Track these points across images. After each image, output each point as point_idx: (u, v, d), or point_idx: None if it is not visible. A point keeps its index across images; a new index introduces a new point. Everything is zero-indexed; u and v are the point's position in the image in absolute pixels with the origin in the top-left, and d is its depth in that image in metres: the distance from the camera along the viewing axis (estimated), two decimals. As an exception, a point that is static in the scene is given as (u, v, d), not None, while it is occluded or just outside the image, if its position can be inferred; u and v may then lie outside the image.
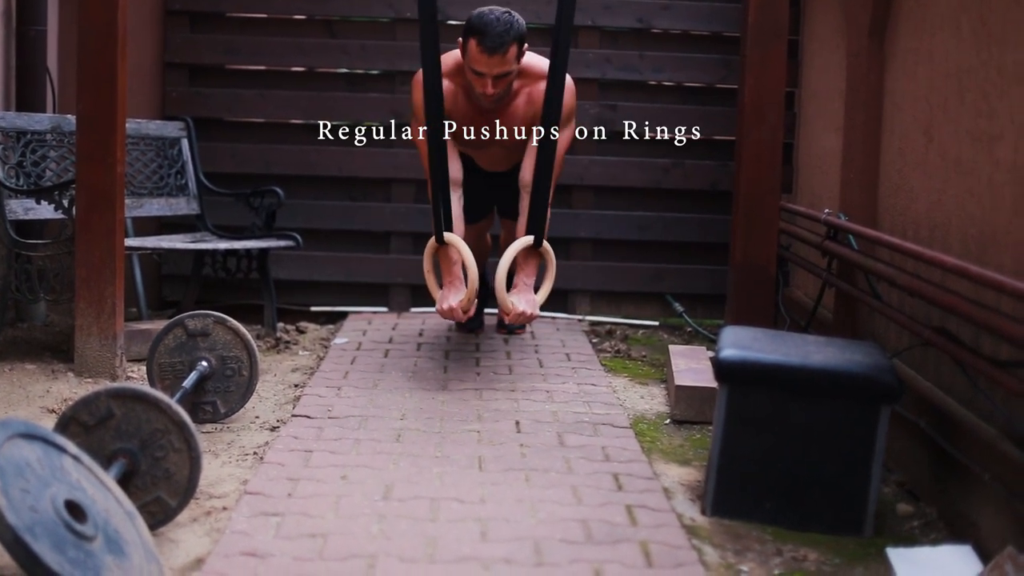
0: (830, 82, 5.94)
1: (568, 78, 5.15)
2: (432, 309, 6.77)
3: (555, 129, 5.02)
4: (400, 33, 6.90)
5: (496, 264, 5.16)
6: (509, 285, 5.21)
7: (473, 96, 5.23)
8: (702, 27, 6.97)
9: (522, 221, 5.21)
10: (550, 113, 5.02)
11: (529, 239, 5.13)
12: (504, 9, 5.05)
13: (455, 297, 5.10)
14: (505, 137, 5.35)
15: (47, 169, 5.72)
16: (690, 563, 3.20)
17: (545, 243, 5.19)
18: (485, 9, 5.05)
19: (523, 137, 5.34)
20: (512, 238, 5.72)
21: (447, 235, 5.12)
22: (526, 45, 5.12)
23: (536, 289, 5.26)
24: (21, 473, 2.64)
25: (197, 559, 3.16)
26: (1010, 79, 3.61)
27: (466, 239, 5.35)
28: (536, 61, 5.28)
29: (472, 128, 5.35)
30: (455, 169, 5.30)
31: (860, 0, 5.09)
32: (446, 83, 5.16)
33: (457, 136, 5.39)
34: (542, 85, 5.14)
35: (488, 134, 5.35)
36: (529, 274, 5.22)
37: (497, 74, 5.01)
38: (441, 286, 5.23)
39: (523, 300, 5.10)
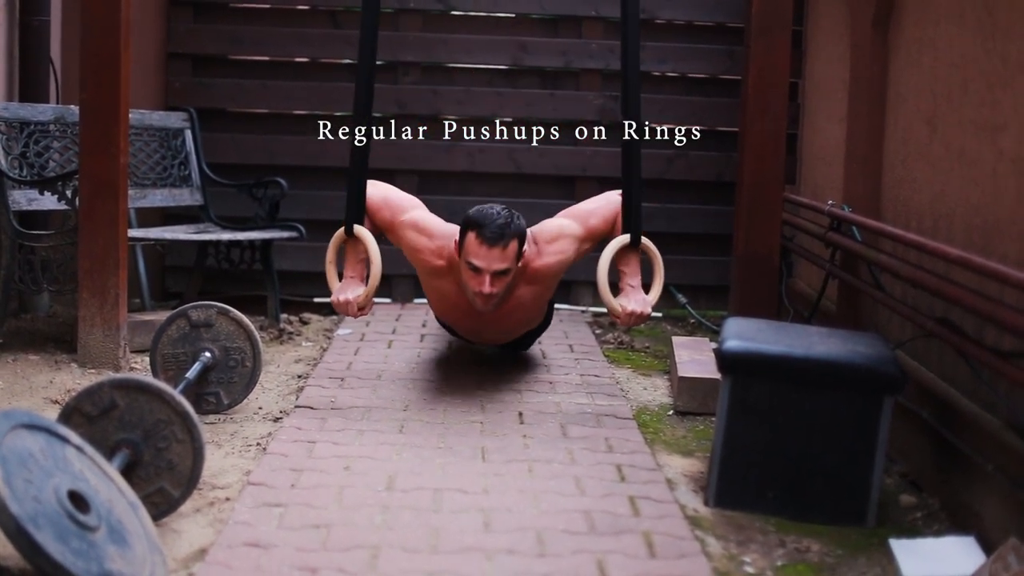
0: (834, 73, 5.93)
1: (548, 235, 4.93)
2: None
3: (636, 124, 4.82)
4: (403, 24, 6.90)
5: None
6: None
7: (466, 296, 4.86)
8: (706, 18, 6.97)
9: (619, 220, 4.97)
10: (631, 105, 4.83)
11: (625, 238, 4.88)
12: (504, 206, 4.77)
13: (352, 291, 4.90)
14: (502, 328, 5.13)
15: (50, 160, 5.72)
16: (693, 554, 3.20)
17: (644, 239, 4.92)
18: (485, 206, 4.76)
19: (527, 320, 5.15)
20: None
21: (356, 228, 4.92)
22: (525, 249, 4.79)
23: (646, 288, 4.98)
24: (24, 463, 2.64)
25: (200, 549, 3.16)
26: (1014, 69, 3.61)
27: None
28: (528, 247, 4.89)
29: (465, 322, 5.11)
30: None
31: (864, -10, 5.08)
32: (439, 263, 4.89)
33: (443, 316, 5.23)
34: (543, 260, 4.88)
35: (482, 327, 5.11)
36: (633, 275, 4.93)
37: (496, 270, 4.64)
38: (340, 278, 5.00)
39: (632, 300, 4.84)
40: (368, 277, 4.88)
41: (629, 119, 4.82)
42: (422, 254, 4.92)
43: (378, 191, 5.05)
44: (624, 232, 4.90)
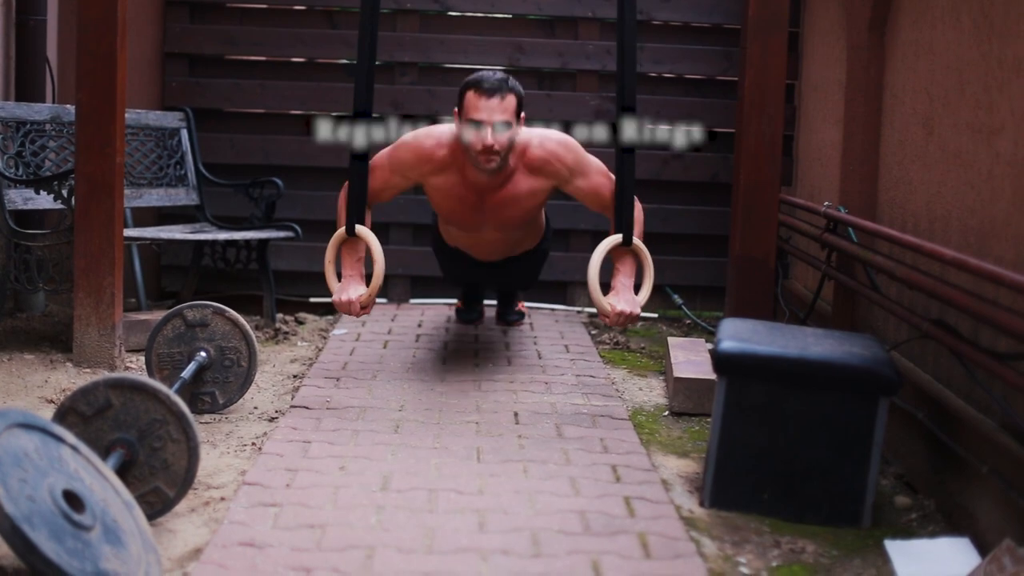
0: (830, 75, 5.93)
1: (555, 135, 5.06)
2: (431, 300, 6.78)
3: (631, 121, 4.86)
4: (400, 24, 6.90)
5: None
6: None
7: (469, 173, 4.97)
8: (703, 19, 6.97)
9: (612, 220, 5.03)
10: (625, 101, 4.87)
11: (618, 238, 4.93)
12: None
13: (355, 290, 4.92)
14: (502, 217, 5.16)
15: (46, 159, 5.72)
16: (688, 555, 3.21)
17: (637, 240, 4.96)
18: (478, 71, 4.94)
19: (520, 220, 5.21)
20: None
21: (359, 228, 4.94)
22: (524, 114, 4.92)
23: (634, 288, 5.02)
24: (19, 463, 2.64)
25: (195, 549, 3.16)
26: (1010, 71, 3.61)
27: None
28: (529, 133, 5.04)
29: (466, 209, 5.15)
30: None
31: (860, -8, 5.09)
32: (442, 153, 4.99)
33: (448, 216, 5.28)
34: (538, 152, 4.98)
35: (483, 215, 5.15)
36: (627, 274, 4.98)
37: (497, 121, 4.76)
38: (340, 278, 5.02)
39: (622, 300, 4.87)
40: (371, 276, 4.89)
41: (623, 118, 4.85)
42: (427, 153, 5.01)
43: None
44: (617, 231, 4.92)
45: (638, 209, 5.01)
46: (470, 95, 4.80)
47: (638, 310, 4.88)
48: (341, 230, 4.97)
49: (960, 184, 4.00)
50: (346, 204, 4.95)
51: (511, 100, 4.80)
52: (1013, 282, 3.15)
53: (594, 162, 5.08)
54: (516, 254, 5.47)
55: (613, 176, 5.02)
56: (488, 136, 4.75)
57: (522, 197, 5.06)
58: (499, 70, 4.91)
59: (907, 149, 4.61)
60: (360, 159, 4.91)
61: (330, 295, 4.95)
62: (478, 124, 4.76)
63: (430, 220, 5.64)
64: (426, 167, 5.03)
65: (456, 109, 4.91)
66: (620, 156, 4.89)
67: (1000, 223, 3.63)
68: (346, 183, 5.00)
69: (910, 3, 4.66)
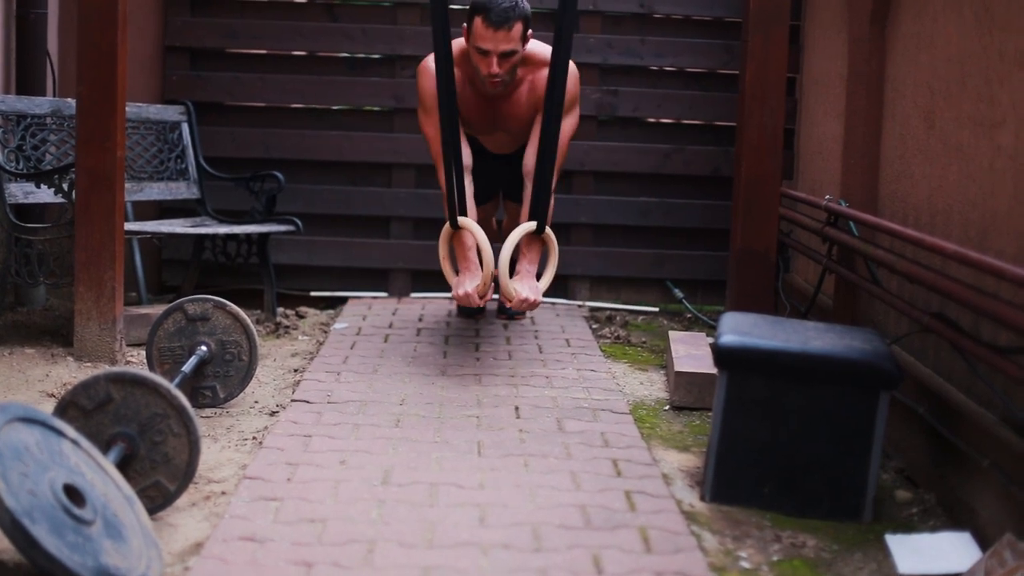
0: (832, 68, 5.93)
1: (572, 65, 5.14)
2: (432, 294, 6.78)
3: (557, 115, 4.99)
4: (401, 17, 6.89)
5: (500, 250, 5.11)
6: (512, 271, 5.19)
7: (478, 83, 5.21)
8: (704, 12, 6.96)
9: (525, 207, 5.21)
10: (553, 98, 4.98)
11: (532, 225, 5.10)
12: None
13: (471, 283, 5.08)
14: (510, 124, 5.38)
15: (47, 153, 5.72)
16: (689, 549, 3.20)
17: (548, 229, 5.15)
18: None
19: (527, 125, 5.36)
20: (516, 223, 5.75)
21: (461, 219, 5.10)
22: (531, 31, 5.10)
23: (538, 276, 5.25)
24: (20, 457, 2.64)
25: (196, 543, 3.16)
26: (1012, 64, 3.61)
27: None
28: (540, 48, 5.26)
29: (477, 115, 5.35)
30: (467, 155, 5.29)
31: (862, -15, 5.08)
32: (455, 72, 5.13)
33: (463, 122, 5.38)
34: (545, 72, 5.12)
35: (493, 121, 5.36)
36: (532, 260, 5.19)
37: (502, 51, 4.99)
38: (457, 272, 5.22)
39: (525, 286, 5.06)
40: (482, 265, 5.06)
41: (551, 112, 4.99)
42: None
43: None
44: (531, 219, 5.11)
45: (550, 196, 5.18)
46: (478, 22, 4.98)
47: (539, 297, 5.08)
48: (447, 225, 5.15)
49: (961, 177, 4.00)
50: (446, 198, 5.10)
51: (517, 29, 4.98)
52: (1014, 276, 3.15)
53: (574, 116, 5.33)
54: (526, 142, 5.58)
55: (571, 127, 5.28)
56: (494, 65, 5.00)
57: (526, 110, 5.30)
58: None
59: (908, 142, 4.60)
60: (453, 153, 5.07)
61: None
62: (485, 52, 4.99)
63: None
64: None
65: (464, 26, 5.08)
66: (544, 144, 5.03)
67: (1001, 217, 3.62)
68: (440, 178, 5.19)
69: (911, -4, 4.66)
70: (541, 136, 5.05)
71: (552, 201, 5.23)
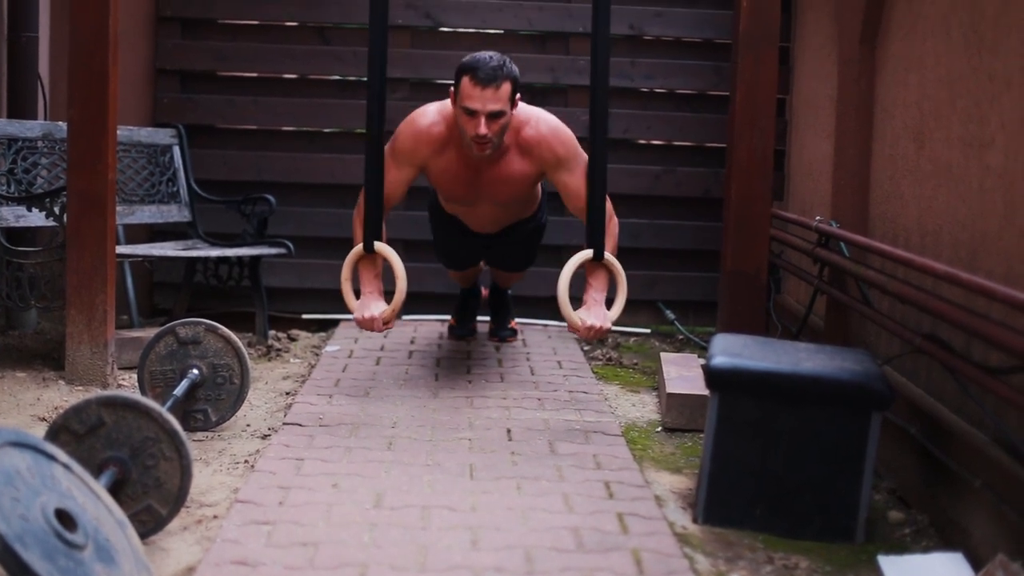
0: (821, 89, 5.95)
1: (552, 121, 5.12)
2: (423, 316, 6.77)
3: (603, 137, 4.94)
4: (393, 40, 6.88)
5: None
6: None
7: (464, 149, 5.06)
8: (694, 34, 6.98)
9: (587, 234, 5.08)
10: (598, 118, 4.91)
11: (588, 253, 4.98)
12: (497, 52, 4.97)
13: (376, 307, 4.98)
14: (497, 193, 5.24)
15: (38, 176, 5.72)
16: (681, 571, 3.20)
17: (609, 255, 5.00)
18: (478, 52, 4.97)
19: (516, 194, 5.28)
20: (501, 279, 5.75)
21: (377, 244, 4.98)
22: (519, 96, 4.99)
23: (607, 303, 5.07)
24: (11, 482, 2.63)
25: (188, 568, 3.15)
26: (1001, 85, 3.62)
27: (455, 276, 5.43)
28: (527, 112, 5.15)
29: (462, 184, 5.22)
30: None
31: (851, 7, 5.10)
32: (439, 130, 5.08)
33: (445, 195, 5.35)
34: (536, 129, 5.06)
35: (478, 190, 5.22)
36: (599, 288, 5.02)
37: (491, 111, 4.84)
38: (357, 296, 5.07)
39: (592, 314, 4.91)
40: (393, 294, 4.94)
41: (596, 136, 4.93)
42: (424, 133, 5.09)
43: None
44: (588, 246, 4.98)
45: (614, 223, 5.05)
46: (465, 82, 4.85)
47: (609, 324, 4.92)
48: (358, 247, 5.02)
49: (951, 198, 4.01)
50: (362, 220, 4.99)
51: (506, 88, 4.86)
52: (1005, 296, 3.16)
53: (584, 160, 5.12)
54: (511, 223, 5.53)
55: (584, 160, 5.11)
56: (481, 126, 4.83)
57: (515, 175, 5.15)
58: (495, 55, 4.93)
59: (898, 163, 4.62)
60: (374, 174, 4.93)
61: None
62: (472, 112, 4.84)
63: (422, 233, 5.63)
64: (427, 148, 5.11)
65: (452, 89, 4.96)
66: (593, 169, 4.92)
67: (991, 237, 3.63)
68: (360, 199, 5.02)
69: (901, 17, 4.68)
70: (590, 161, 4.96)
71: (616, 227, 5.12)
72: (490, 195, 5.25)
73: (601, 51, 4.87)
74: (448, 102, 5.08)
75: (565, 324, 6.80)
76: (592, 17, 4.90)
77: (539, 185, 5.45)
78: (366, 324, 4.96)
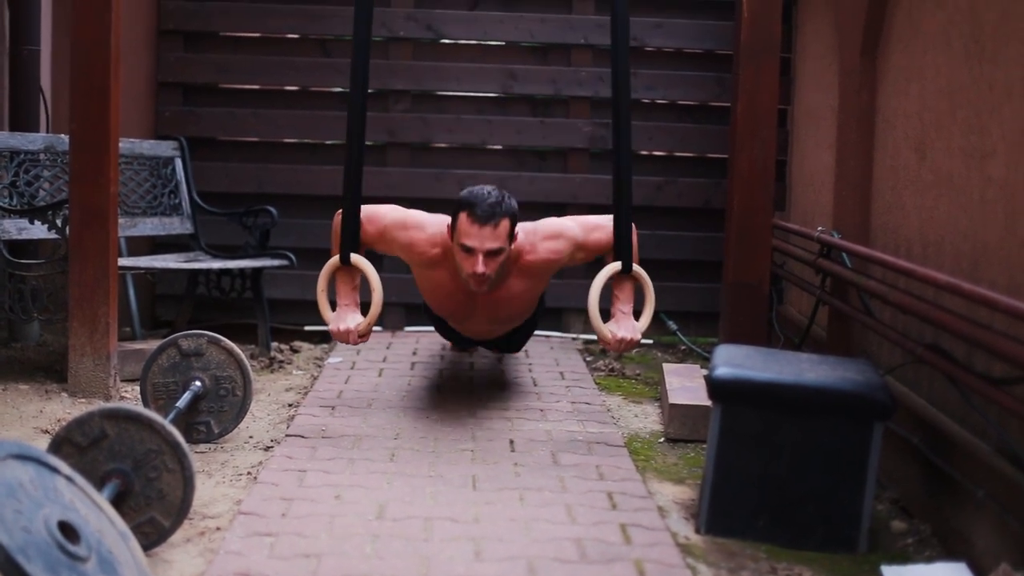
0: (823, 100, 5.95)
1: (545, 231, 5.00)
2: (426, 328, 6.77)
3: (627, 145, 4.86)
4: (393, 52, 6.92)
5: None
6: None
7: (459, 278, 4.90)
8: (695, 45, 7.00)
9: (611, 248, 4.98)
10: (621, 132, 4.84)
11: (617, 265, 4.91)
12: (495, 187, 4.83)
13: (352, 319, 4.92)
14: (496, 313, 5.14)
15: (40, 189, 5.72)
16: (684, 582, 3.20)
17: (636, 266, 4.93)
18: (476, 187, 4.82)
19: (517, 311, 5.19)
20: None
21: (354, 256, 4.93)
22: (518, 230, 4.84)
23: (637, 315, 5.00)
24: (14, 494, 2.63)
25: (190, 580, 3.15)
26: (1001, 96, 3.62)
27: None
28: (524, 234, 4.95)
29: (456, 305, 5.12)
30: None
31: (852, 18, 5.11)
32: (435, 252, 4.94)
33: (437, 308, 5.26)
34: (536, 250, 4.93)
35: (472, 311, 5.13)
36: (626, 300, 4.96)
37: (488, 249, 4.67)
38: (333, 307, 5.00)
39: (622, 327, 4.87)
40: (371, 304, 4.87)
41: (620, 146, 4.83)
42: (417, 247, 4.96)
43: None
44: (616, 259, 4.90)
45: (633, 233, 5.01)
46: (463, 219, 4.68)
47: (639, 336, 4.88)
48: (335, 258, 4.96)
49: (953, 208, 4.01)
50: (340, 232, 4.95)
51: (504, 226, 4.69)
52: (1007, 307, 3.16)
53: (582, 229, 5.03)
54: (509, 330, 5.42)
55: (601, 220, 5.03)
56: (479, 265, 4.68)
57: (516, 296, 5.05)
58: (493, 190, 4.75)
59: (900, 174, 4.62)
60: (353, 188, 4.90)
61: (319, 323, 4.93)
62: (470, 250, 4.69)
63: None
64: (415, 258, 5.02)
65: (449, 225, 4.81)
66: (618, 184, 4.88)
67: (993, 247, 3.63)
68: (339, 211, 5.00)
69: (901, 28, 4.68)
70: (614, 173, 4.89)
71: (635, 236, 5.00)
72: (486, 315, 5.15)
73: (621, 67, 4.82)
74: (446, 219, 4.93)
75: (564, 335, 6.86)
76: (611, 33, 4.85)
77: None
78: (341, 336, 4.91)
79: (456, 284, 4.96)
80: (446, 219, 4.92)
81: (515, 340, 5.65)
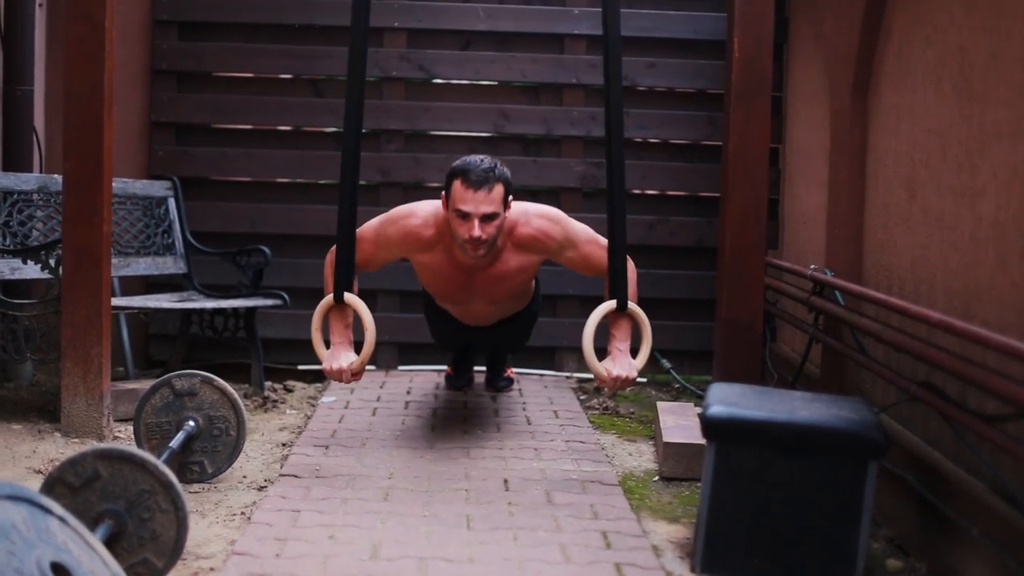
0: (814, 138, 5.98)
1: (542, 211, 5.10)
2: (419, 367, 6.78)
3: (620, 184, 4.84)
4: (387, 92, 6.94)
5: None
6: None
7: (456, 251, 4.98)
8: (687, 84, 7.03)
9: (606, 284, 5.00)
10: (615, 169, 4.82)
11: (611, 304, 4.89)
12: (487, 156, 4.93)
13: (345, 358, 4.92)
14: (491, 292, 5.21)
15: (34, 229, 5.73)
16: (680, 621, 3.19)
17: (632, 304, 4.92)
18: (468, 156, 4.93)
19: (512, 291, 5.26)
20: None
21: (347, 295, 4.93)
22: (511, 198, 4.93)
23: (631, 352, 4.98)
24: (7, 535, 2.62)
25: (184, 621, 3.14)
26: (991, 135, 3.64)
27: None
28: (519, 210, 5.07)
29: (453, 285, 5.19)
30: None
31: (843, 58, 5.14)
32: (429, 233, 5.02)
33: (436, 293, 5.34)
34: (530, 225, 5.02)
35: (470, 290, 5.19)
36: (623, 338, 4.95)
37: (484, 213, 4.77)
38: (327, 345, 5.00)
39: (618, 365, 4.85)
40: (360, 343, 4.86)
41: (613, 185, 4.84)
42: (413, 232, 5.04)
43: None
44: (611, 297, 4.90)
45: (631, 270, 5.00)
46: (457, 185, 4.79)
47: (635, 374, 4.87)
48: (329, 297, 4.96)
49: (944, 247, 4.02)
50: (333, 271, 4.96)
51: (498, 190, 4.80)
52: (999, 344, 3.17)
53: (582, 231, 5.12)
54: (506, 317, 5.50)
55: (602, 240, 5.03)
56: (475, 229, 4.76)
57: (511, 273, 5.11)
58: (485, 157, 4.89)
59: (891, 212, 4.64)
60: (347, 226, 4.91)
61: (313, 362, 4.93)
62: (465, 215, 4.78)
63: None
64: (413, 245, 5.08)
65: (443, 194, 4.91)
66: (612, 220, 4.89)
67: (984, 286, 3.64)
68: (332, 249, 5.01)
69: (892, 67, 4.71)
70: (608, 207, 4.86)
71: (634, 273, 5.02)
72: (484, 295, 5.22)
73: (614, 105, 4.84)
74: (439, 205, 5.02)
75: (558, 373, 6.86)
76: (604, 73, 4.86)
77: (534, 278, 5.45)
78: (335, 375, 4.92)
79: (454, 265, 5.05)
80: (430, 203, 5.08)
81: (513, 335, 5.69)
